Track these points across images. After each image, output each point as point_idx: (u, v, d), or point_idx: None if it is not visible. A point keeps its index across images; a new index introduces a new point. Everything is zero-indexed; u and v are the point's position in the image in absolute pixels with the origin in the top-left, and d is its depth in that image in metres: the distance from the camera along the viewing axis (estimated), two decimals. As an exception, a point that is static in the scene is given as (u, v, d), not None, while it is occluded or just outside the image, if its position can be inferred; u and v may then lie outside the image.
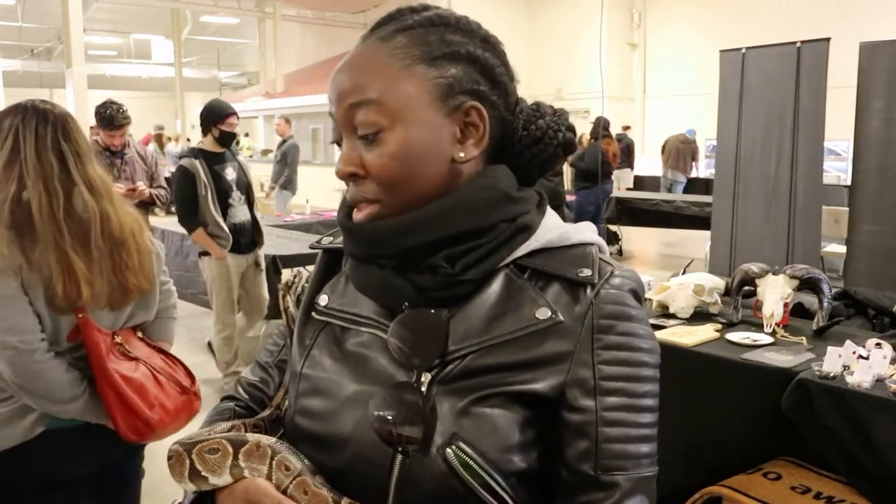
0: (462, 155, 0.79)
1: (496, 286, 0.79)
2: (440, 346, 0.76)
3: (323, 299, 0.86)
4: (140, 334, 1.83)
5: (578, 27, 14.75)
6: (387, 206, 0.78)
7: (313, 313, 0.86)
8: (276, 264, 4.72)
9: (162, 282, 1.91)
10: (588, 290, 0.78)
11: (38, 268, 1.58)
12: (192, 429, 0.96)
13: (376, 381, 0.78)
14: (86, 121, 11.76)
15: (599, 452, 0.75)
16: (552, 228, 0.82)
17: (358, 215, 0.80)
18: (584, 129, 9.91)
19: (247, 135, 19.96)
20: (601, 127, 7.66)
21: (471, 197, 0.78)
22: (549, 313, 0.76)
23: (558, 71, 15.25)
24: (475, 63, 0.80)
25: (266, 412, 0.89)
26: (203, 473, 0.76)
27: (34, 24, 19.28)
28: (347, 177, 0.79)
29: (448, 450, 0.72)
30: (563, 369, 0.76)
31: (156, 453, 1.89)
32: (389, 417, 0.73)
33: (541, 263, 0.79)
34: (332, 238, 0.91)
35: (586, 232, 0.84)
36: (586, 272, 0.78)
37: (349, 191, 0.80)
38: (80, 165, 1.67)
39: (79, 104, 11.39)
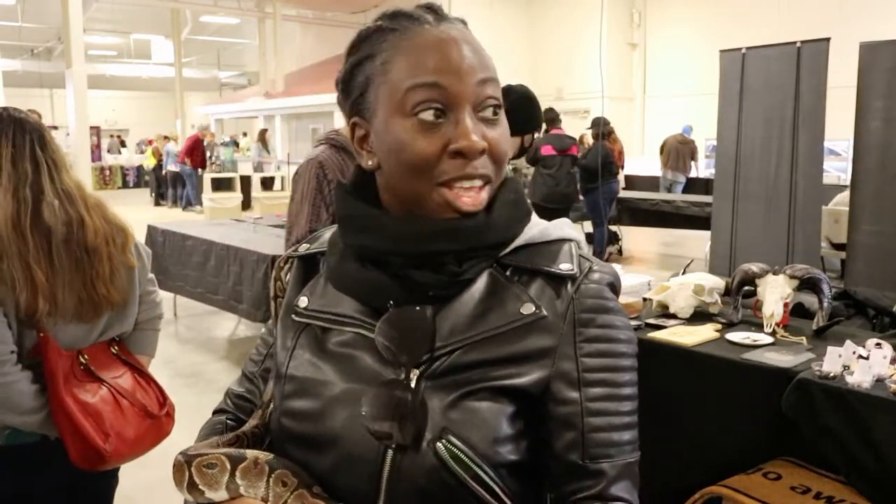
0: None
1: (480, 283, 0.80)
2: (427, 342, 0.77)
3: (302, 301, 0.86)
4: (115, 348, 1.78)
5: (578, 27, 14.75)
6: (493, 186, 0.80)
7: (293, 316, 0.86)
8: (274, 264, 4.72)
9: (147, 291, 1.85)
10: (569, 286, 0.80)
11: (6, 279, 1.55)
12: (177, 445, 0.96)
13: (363, 379, 0.78)
14: (86, 121, 11.78)
15: (586, 442, 0.77)
16: (533, 225, 0.84)
17: (478, 197, 0.78)
18: (584, 129, 9.92)
19: (245, 134, 19.97)
20: (602, 126, 7.65)
21: (504, 213, 0.81)
22: (533, 308, 0.78)
23: (558, 71, 15.24)
24: None
25: (257, 420, 0.89)
26: (200, 487, 0.77)
27: (34, 24, 19.28)
28: (482, 152, 0.77)
29: (439, 444, 0.73)
30: (548, 363, 0.78)
31: (150, 458, 1.88)
32: (380, 414, 0.74)
33: (523, 260, 0.81)
34: (308, 245, 0.92)
35: (564, 228, 0.86)
36: (567, 266, 0.81)
37: (462, 167, 0.76)
38: (56, 175, 1.66)
39: (79, 104, 11.39)
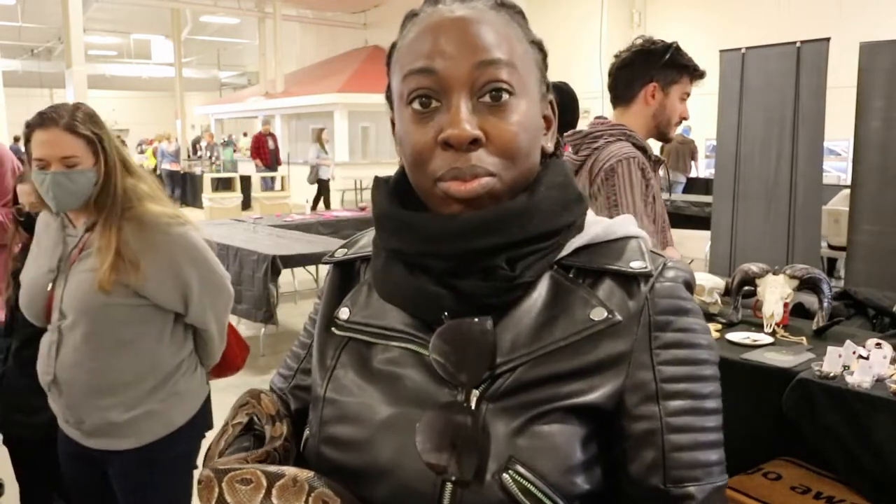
0: (549, 146, 0.76)
1: (542, 289, 0.71)
2: (488, 359, 0.68)
3: (344, 312, 0.77)
4: None
5: (578, 27, 14.75)
6: (504, 182, 0.69)
7: (333, 329, 0.78)
8: (275, 264, 4.73)
9: None
10: (642, 285, 0.70)
11: None
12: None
13: (413, 401, 0.69)
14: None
15: (668, 463, 0.68)
16: (594, 223, 0.76)
17: (470, 185, 0.67)
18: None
19: (245, 134, 19.97)
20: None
21: (549, 196, 0.71)
22: (605, 313, 0.69)
23: (558, 71, 15.16)
24: (545, 56, 0.77)
25: (283, 431, 0.80)
26: None
27: (34, 24, 19.28)
28: (471, 141, 0.67)
29: (505, 475, 0.64)
30: (621, 372, 0.68)
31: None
32: (437, 443, 0.65)
33: (587, 261, 0.72)
34: (346, 250, 0.83)
35: (629, 225, 0.77)
36: (639, 264, 0.71)
37: (453, 161, 0.67)
38: None
39: (79, 104, 11.37)
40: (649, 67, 2.03)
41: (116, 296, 1.61)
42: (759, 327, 2.39)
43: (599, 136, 2.02)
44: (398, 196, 0.75)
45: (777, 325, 2.37)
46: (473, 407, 0.67)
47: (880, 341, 2.10)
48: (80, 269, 1.65)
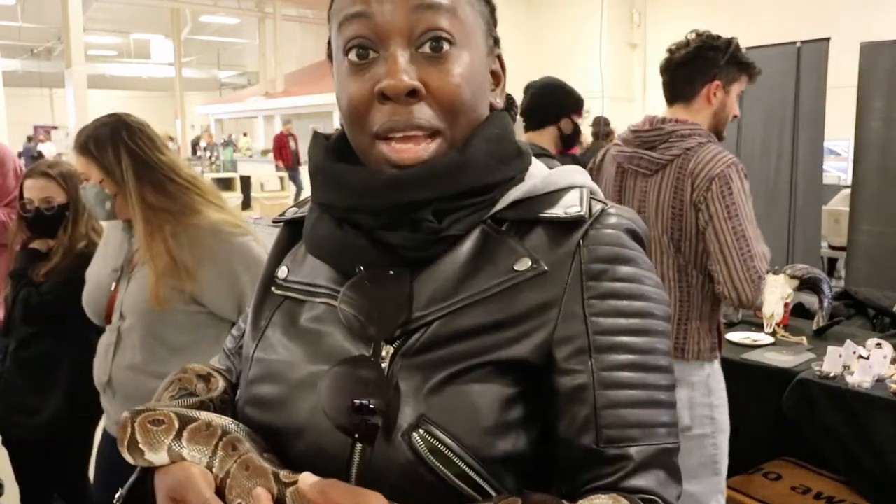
0: (498, 101, 0.73)
1: (469, 243, 0.67)
2: (402, 312, 0.65)
3: (282, 272, 0.76)
4: None
5: (578, 27, 14.76)
6: (448, 138, 0.66)
7: (273, 288, 0.76)
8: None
9: None
10: (575, 231, 0.66)
11: None
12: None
13: (331, 359, 0.66)
14: (87, 121, 11.77)
15: (601, 421, 0.62)
16: (534, 175, 0.72)
17: (410, 147, 0.65)
18: (584, 128, 9.92)
19: (245, 134, 19.97)
20: (602, 126, 7.65)
21: (482, 150, 0.67)
22: (530, 262, 0.65)
23: (558, 71, 15.15)
24: (493, 10, 0.73)
25: (222, 385, 0.78)
26: (140, 445, 0.66)
27: (34, 24, 19.26)
28: (409, 93, 0.63)
29: (415, 434, 0.61)
30: (548, 322, 0.64)
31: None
32: (343, 400, 0.61)
33: (522, 213, 0.68)
34: (296, 209, 0.81)
35: (574, 175, 0.72)
36: (574, 210, 0.67)
37: (391, 114, 0.64)
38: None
39: (79, 104, 11.38)
40: (712, 65, 1.97)
41: (174, 302, 1.61)
42: (759, 327, 2.39)
43: (687, 135, 1.91)
44: (338, 154, 0.72)
45: (777, 325, 2.37)
46: (386, 363, 0.64)
47: (880, 341, 2.10)
48: (141, 274, 1.65)
